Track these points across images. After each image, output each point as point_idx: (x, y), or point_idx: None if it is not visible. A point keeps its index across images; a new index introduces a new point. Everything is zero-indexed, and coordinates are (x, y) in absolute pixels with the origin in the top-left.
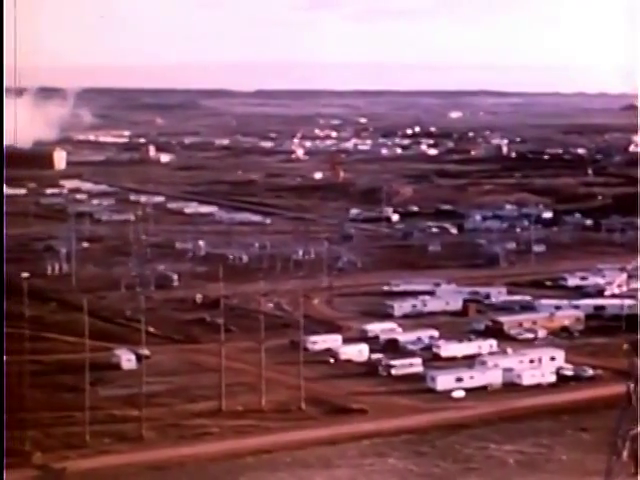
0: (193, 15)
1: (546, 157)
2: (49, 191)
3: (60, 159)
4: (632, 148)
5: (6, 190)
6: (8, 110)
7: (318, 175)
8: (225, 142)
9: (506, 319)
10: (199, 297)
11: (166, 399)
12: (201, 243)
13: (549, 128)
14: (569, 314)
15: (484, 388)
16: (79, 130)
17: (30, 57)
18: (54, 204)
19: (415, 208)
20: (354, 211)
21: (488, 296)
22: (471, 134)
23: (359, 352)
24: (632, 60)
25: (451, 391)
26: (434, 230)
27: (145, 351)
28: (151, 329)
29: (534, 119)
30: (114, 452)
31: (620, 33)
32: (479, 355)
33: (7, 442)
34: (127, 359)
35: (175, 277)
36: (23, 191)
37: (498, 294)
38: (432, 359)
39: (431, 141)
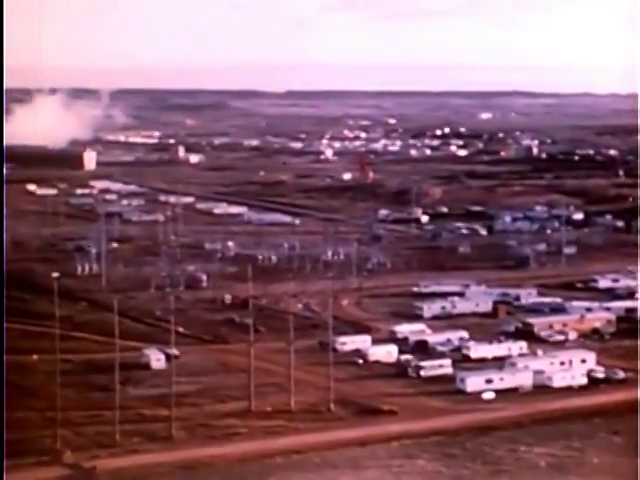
0: (224, 16)
1: (577, 158)
2: (79, 191)
3: (90, 160)
4: None
5: (37, 190)
6: (39, 111)
7: (347, 176)
8: (254, 143)
9: (536, 321)
10: (228, 297)
11: (195, 399)
12: (230, 244)
13: (580, 129)
14: (600, 316)
15: (514, 390)
16: (113, 130)
17: (61, 58)
18: (84, 204)
19: (444, 209)
20: (383, 212)
21: (518, 298)
22: (501, 135)
23: (388, 353)
24: None
25: (481, 393)
26: (464, 231)
27: (174, 351)
28: (180, 329)
29: (565, 120)
30: (144, 451)
31: None
32: (509, 357)
33: (39, 440)
34: (156, 359)
35: (204, 277)
36: (54, 191)
37: (528, 296)
38: (462, 360)
39: (461, 142)
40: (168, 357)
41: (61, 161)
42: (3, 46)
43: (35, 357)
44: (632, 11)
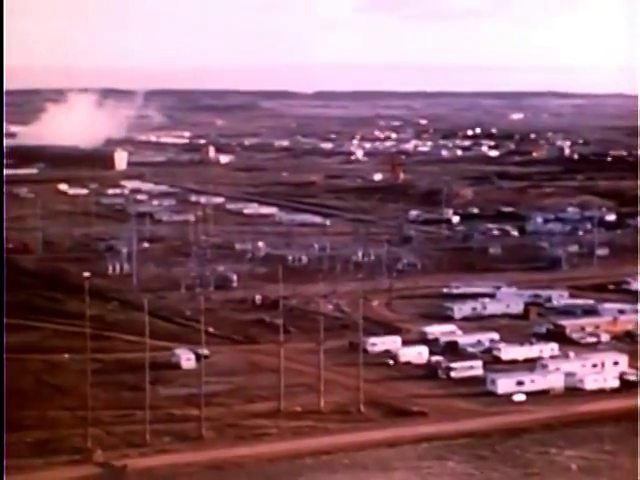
0: (254, 17)
1: (609, 159)
2: (110, 191)
3: (121, 160)
4: None
5: (69, 190)
6: (72, 111)
7: (378, 176)
8: (285, 143)
9: (568, 323)
10: (258, 298)
11: (225, 399)
12: (261, 244)
13: (612, 130)
14: (632, 318)
15: (545, 392)
16: (144, 131)
17: (93, 59)
18: (115, 204)
19: (475, 210)
20: (414, 213)
21: (550, 299)
22: (533, 136)
23: (418, 354)
24: None
25: (512, 394)
26: (495, 232)
27: (205, 351)
28: (210, 329)
29: (598, 120)
30: (174, 451)
31: None
32: (540, 359)
33: (70, 439)
34: (187, 359)
35: (234, 278)
36: (85, 191)
37: (560, 297)
38: (492, 362)
39: (492, 142)
40: (198, 357)
41: (92, 161)
42: (3, 46)
43: (66, 356)
44: None
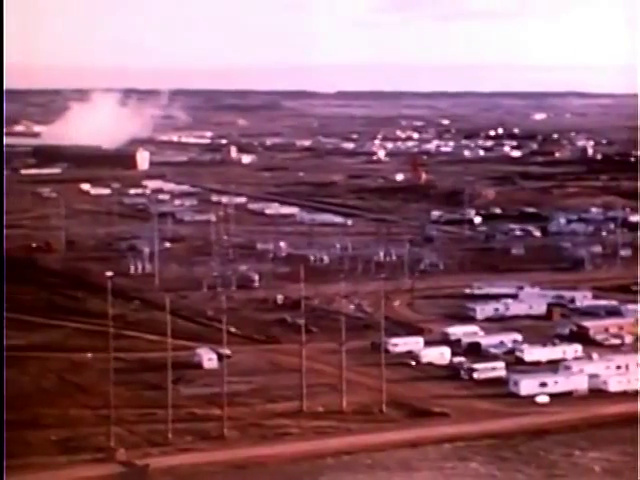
0: (277, 17)
1: (633, 159)
2: (132, 191)
3: (143, 160)
4: None
5: (91, 190)
6: (95, 111)
7: (400, 177)
8: (307, 143)
9: (592, 324)
10: (280, 298)
11: (247, 399)
12: (282, 244)
13: (636, 130)
14: None
15: (569, 394)
16: (166, 131)
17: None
18: (137, 204)
19: (498, 210)
20: (436, 213)
21: (573, 300)
22: (555, 136)
23: (441, 355)
24: None
25: (535, 396)
26: (517, 233)
27: (226, 351)
28: (232, 329)
29: (621, 121)
30: (196, 450)
31: None
32: (564, 360)
33: (93, 438)
34: (208, 358)
35: (256, 277)
36: (107, 191)
37: (583, 298)
38: (515, 363)
39: (514, 143)
40: (220, 357)
41: (114, 161)
42: (3, 46)
43: (89, 355)
44: None
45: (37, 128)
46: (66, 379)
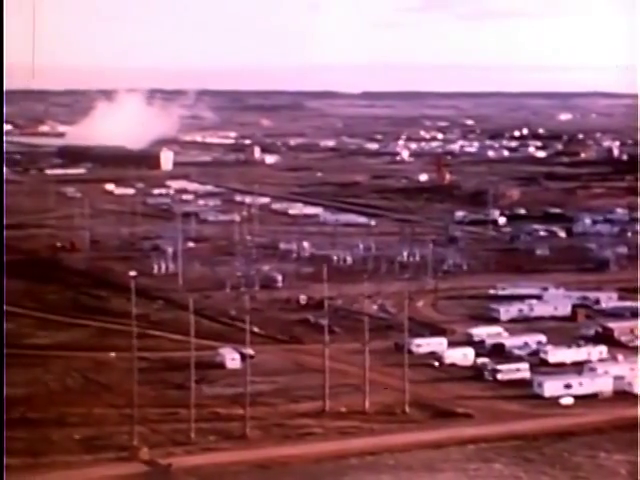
0: (302, 17)
1: None
2: (156, 191)
3: (167, 160)
4: None
5: (115, 190)
6: (120, 111)
7: (423, 177)
8: (330, 143)
9: (617, 325)
10: (303, 298)
11: (270, 399)
12: (306, 244)
13: None
14: None
15: (594, 395)
16: (195, 131)
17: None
18: (161, 204)
19: (522, 211)
20: (460, 213)
21: (598, 301)
22: (581, 136)
23: (464, 356)
24: None
25: (559, 398)
26: (542, 233)
27: (249, 351)
28: (255, 329)
29: None
30: (219, 450)
31: None
32: (588, 362)
33: (117, 437)
34: (231, 358)
35: (279, 278)
36: (131, 191)
37: (608, 299)
38: (539, 364)
39: (539, 143)
40: (243, 356)
41: (138, 161)
42: (3, 46)
43: (113, 354)
44: None
45: (62, 128)
46: (90, 378)
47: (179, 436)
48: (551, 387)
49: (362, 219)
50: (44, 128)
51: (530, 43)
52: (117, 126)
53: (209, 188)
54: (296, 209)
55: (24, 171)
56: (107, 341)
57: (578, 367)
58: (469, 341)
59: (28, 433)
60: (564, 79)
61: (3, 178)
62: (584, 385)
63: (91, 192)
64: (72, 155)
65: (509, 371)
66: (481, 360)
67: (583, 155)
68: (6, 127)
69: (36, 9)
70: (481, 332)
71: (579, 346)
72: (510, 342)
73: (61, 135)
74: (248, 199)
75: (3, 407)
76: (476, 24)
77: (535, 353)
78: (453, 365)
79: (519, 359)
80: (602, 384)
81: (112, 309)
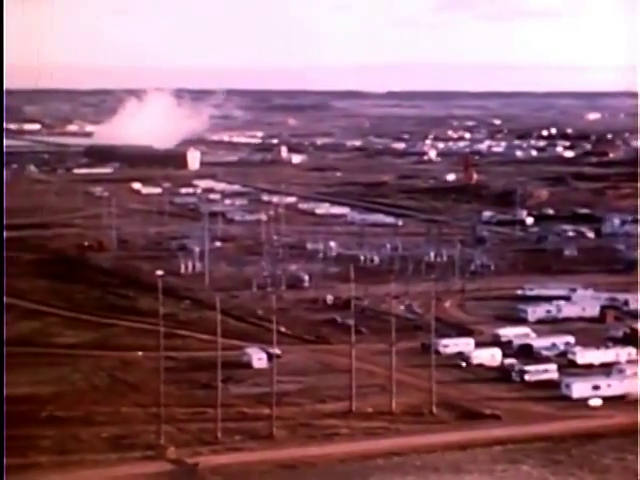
0: (327, 17)
1: None
2: (183, 191)
3: (194, 159)
4: None
5: (142, 189)
6: (147, 111)
7: (451, 177)
8: (357, 143)
9: None
10: (330, 298)
11: (297, 399)
12: (332, 244)
13: None
14: None
15: (621, 397)
16: (222, 130)
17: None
18: (188, 203)
19: (550, 211)
20: (487, 213)
21: (627, 302)
22: (609, 136)
23: (492, 356)
24: None
25: (587, 399)
26: (570, 234)
27: (276, 350)
28: (282, 329)
29: None
30: (245, 449)
31: None
32: (617, 363)
33: (144, 436)
34: (258, 358)
35: (306, 277)
36: (158, 190)
37: (637, 301)
38: (567, 366)
39: (567, 143)
40: (270, 356)
41: (166, 161)
42: (3, 46)
43: (140, 354)
44: None
45: (90, 128)
46: (118, 377)
47: (206, 435)
48: (579, 388)
49: (389, 219)
50: (72, 128)
51: (558, 43)
52: (144, 125)
53: (236, 188)
54: (323, 209)
55: (52, 171)
56: (134, 340)
57: (606, 368)
58: (496, 342)
59: (56, 431)
60: (592, 79)
61: (3, 178)
62: (612, 387)
63: (118, 191)
64: (100, 155)
65: (537, 372)
66: (509, 361)
67: (611, 155)
68: (34, 127)
69: (62, 10)
70: (508, 333)
71: (607, 347)
72: (538, 343)
73: (89, 135)
74: (275, 199)
75: (3, 407)
76: (504, 24)
77: (563, 354)
78: (480, 366)
79: (547, 360)
80: (630, 385)
81: (139, 308)
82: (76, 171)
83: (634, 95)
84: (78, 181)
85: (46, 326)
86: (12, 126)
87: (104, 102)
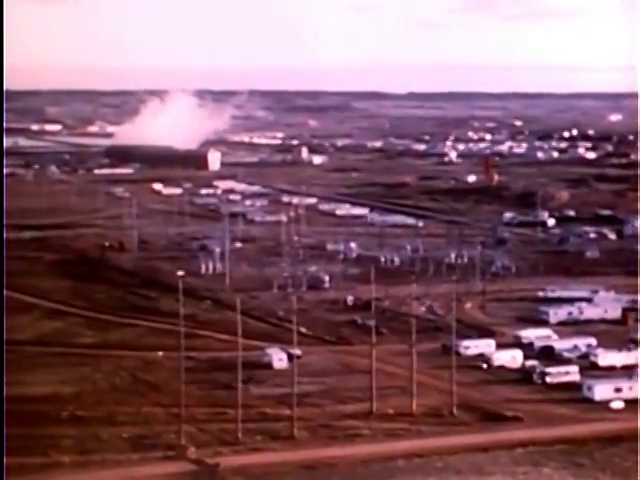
0: (347, 17)
1: None
2: (204, 191)
3: (214, 160)
4: None
5: (163, 190)
6: (168, 112)
7: (472, 178)
8: (378, 144)
9: None
10: (350, 299)
11: (317, 399)
12: (353, 245)
13: None
14: None
15: None
16: (242, 131)
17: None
18: (208, 204)
19: (572, 213)
20: (508, 215)
21: None
22: (631, 137)
23: (513, 358)
24: None
25: (610, 402)
26: (592, 235)
27: (297, 351)
28: (302, 329)
29: None
30: (266, 450)
31: None
32: (638, 365)
33: (164, 436)
34: (279, 358)
35: (327, 278)
36: (179, 191)
37: None
38: (589, 368)
39: (589, 144)
40: (290, 357)
41: (186, 161)
42: (3, 46)
43: (160, 354)
44: None
45: (111, 128)
46: (138, 377)
47: (226, 436)
48: (602, 391)
49: (410, 220)
50: (93, 128)
51: (578, 43)
52: (165, 126)
53: (256, 188)
54: (343, 210)
55: (73, 171)
56: (155, 340)
57: (628, 371)
58: (518, 343)
59: (77, 431)
60: (614, 80)
61: (3, 178)
62: (634, 389)
63: (139, 192)
64: (121, 155)
65: (558, 374)
66: (530, 363)
67: (633, 156)
68: (55, 127)
69: (85, 12)
70: (530, 334)
71: (629, 350)
72: (559, 345)
73: (110, 135)
74: (295, 200)
75: (3, 407)
76: (526, 25)
77: (585, 356)
78: (501, 367)
79: (568, 362)
80: None
81: (160, 309)
82: (97, 172)
83: None
84: (99, 181)
85: (68, 326)
86: (34, 127)
87: (125, 103)
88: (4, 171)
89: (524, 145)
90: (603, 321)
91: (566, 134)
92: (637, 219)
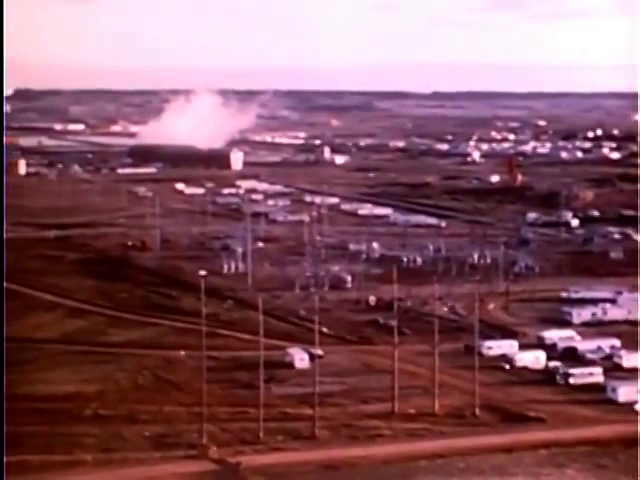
0: (368, 17)
1: None
2: (226, 191)
3: (237, 160)
4: None
5: (185, 189)
6: (190, 111)
7: (495, 178)
8: (400, 144)
9: None
10: (372, 299)
11: (339, 399)
12: (375, 245)
13: None
14: None
15: None
16: (265, 131)
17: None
18: (231, 204)
19: (596, 213)
20: (532, 215)
21: None
22: None
23: (536, 359)
24: None
25: (634, 403)
26: (616, 236)
27: (318, 351)
28: (324, 329)
29: None
30: (287, 449)
31: None
32: None
33: (186, 435)
34: (300, 358)
35: (349, 278)
36: (201, 191)
37: None
38: (613, 369)
39: (614, 144)
40: (312, 357)
41: (209, 161)
42: (3, 46)
43: (182, 353)
44: None
45: (134, 128)
46: (160, 376)
47: (248, 435)
48: (626, 392)
49: (432, 220)
50: (116, 128)
51: (603, 43)
52: (187, 126)
53: (278, 188)
54: (366, 210)
55: (96, 170)
56: (177, 340)
57: None
58: (541, 344)
59: (100, 429)
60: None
61: (3, 178)
62: None
63: (162, 191)
64: (143, 155)
65: (582, 375)
66: (553, 364)
67: None
68: (78, 127)
69: (108, 12)
70: (553, 335)
71: None
72: (583, 346)
73: (133, 135)
74: (317, 199)
75: (3, 407)
76: (550, 24)
77: (609, 357)
78: (524, 368)
79: (592, 363)
80: None
81: (182, 308)
82: (120, 171)
83: None
84: (122, 181)
85: (91, 325)
86: (57, 126)
87: (148, 102)
88: (4, 171)
89: (548, 145)
90: (627, 322)
91: (590, 134)
92: None
